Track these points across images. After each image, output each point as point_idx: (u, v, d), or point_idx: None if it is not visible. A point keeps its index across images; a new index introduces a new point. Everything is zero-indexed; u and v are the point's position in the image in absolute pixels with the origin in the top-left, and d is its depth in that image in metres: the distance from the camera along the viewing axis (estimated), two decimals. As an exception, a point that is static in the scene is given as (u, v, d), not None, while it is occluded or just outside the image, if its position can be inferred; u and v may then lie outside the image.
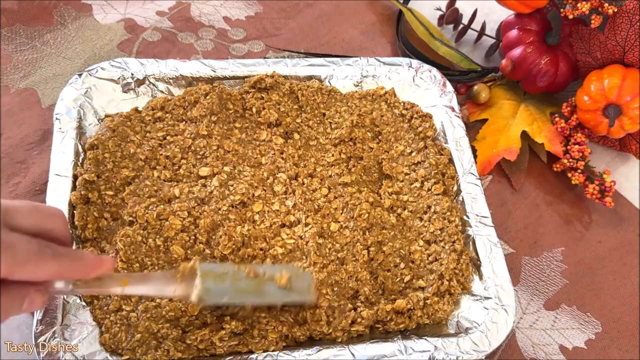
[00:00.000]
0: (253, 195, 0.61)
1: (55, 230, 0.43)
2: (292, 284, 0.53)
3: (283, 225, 0.60)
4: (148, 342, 0.51)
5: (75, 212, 0.57)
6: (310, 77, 0.71)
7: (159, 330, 0.51)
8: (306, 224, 0.60)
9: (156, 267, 0.56)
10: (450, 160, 0.66)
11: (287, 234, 0.59)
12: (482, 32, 0.83)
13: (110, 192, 0.59)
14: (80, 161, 0.61)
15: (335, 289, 0.57)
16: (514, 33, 0.75)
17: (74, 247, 0.56)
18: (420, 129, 0.68)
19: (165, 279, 0.49)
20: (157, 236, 0.57)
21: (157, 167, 0.62)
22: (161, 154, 0.63)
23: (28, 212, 0.42)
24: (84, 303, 0.54)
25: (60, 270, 0.42)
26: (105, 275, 0.45)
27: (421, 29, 0.80)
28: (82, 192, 0.58)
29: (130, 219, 0.58)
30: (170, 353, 0.51)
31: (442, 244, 0.61)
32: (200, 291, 0.48)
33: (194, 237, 0.58)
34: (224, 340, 0.52)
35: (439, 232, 0.61)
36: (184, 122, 0.65)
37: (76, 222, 0.57)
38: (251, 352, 0.53)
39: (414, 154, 0.67)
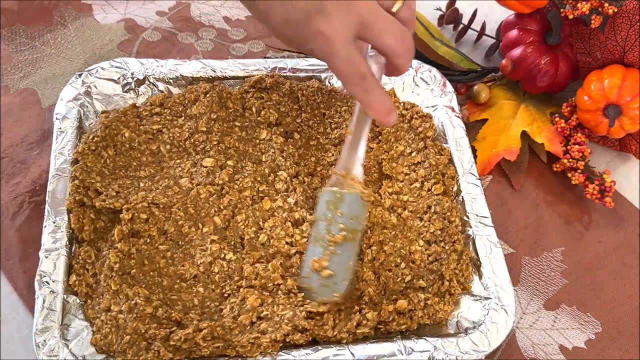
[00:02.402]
0: (258, 190, 0.61)
1: (392, 47, 0.51)
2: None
3: (290, 223, 0.60)
4: (138, 343, 0.51)
5: (70, 215, 0.57)
6: (310, 77, 0.71)
7: (146, 331, 0.51)
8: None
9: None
10: (450, 161, 0.66)
11: (298, 233, 0.59)
12: (482, 32, 0.83)
13: (107, 201, 0.59)
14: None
15: None
16: (514, 33, 0.75)
17: (72, 247, 0.57)
18: (420, 129, 0.68)
19: None
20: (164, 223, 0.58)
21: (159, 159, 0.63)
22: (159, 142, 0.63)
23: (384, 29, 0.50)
24: (83, 302, 0.54)
25: (363, 101, 0.53)
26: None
27: (421, 29, 0.80)
28: (77, 198, 0.58)
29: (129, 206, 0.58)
30: (161, 354, 0.50)
31: (442, 244, 0.60)
32: None
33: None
34: (207, 341, 0.51)
35: (439, 232, 0.61)
36: (182, 118, 0.65)
37: (72, 225, 0.57)
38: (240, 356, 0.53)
39: (414, 154, 0.67)
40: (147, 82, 0.68)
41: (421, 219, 0.62)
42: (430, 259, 0.60)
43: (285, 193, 0.62)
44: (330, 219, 0.55)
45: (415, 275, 0.59)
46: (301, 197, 0.61)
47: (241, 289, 0.55)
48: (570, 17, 0.69)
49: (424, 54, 0.77)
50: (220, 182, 0.60)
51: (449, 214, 0.62)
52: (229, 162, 0.62)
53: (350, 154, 0.57)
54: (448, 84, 0.71)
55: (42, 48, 0.75)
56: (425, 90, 0.71)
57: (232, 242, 0.58)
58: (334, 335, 0.54)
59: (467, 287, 0.59)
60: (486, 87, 0.76)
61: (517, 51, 0.73)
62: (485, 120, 0.74)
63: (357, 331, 0.54)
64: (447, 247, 0.60)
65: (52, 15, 0.78)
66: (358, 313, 0.55)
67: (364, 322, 0.54)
